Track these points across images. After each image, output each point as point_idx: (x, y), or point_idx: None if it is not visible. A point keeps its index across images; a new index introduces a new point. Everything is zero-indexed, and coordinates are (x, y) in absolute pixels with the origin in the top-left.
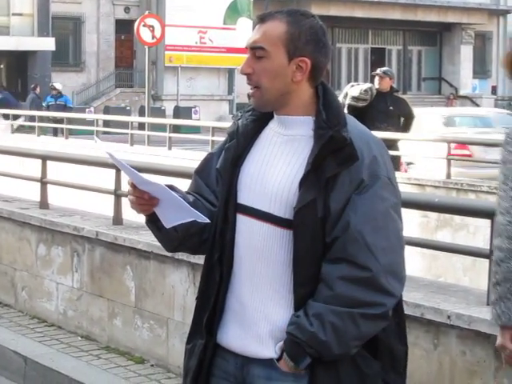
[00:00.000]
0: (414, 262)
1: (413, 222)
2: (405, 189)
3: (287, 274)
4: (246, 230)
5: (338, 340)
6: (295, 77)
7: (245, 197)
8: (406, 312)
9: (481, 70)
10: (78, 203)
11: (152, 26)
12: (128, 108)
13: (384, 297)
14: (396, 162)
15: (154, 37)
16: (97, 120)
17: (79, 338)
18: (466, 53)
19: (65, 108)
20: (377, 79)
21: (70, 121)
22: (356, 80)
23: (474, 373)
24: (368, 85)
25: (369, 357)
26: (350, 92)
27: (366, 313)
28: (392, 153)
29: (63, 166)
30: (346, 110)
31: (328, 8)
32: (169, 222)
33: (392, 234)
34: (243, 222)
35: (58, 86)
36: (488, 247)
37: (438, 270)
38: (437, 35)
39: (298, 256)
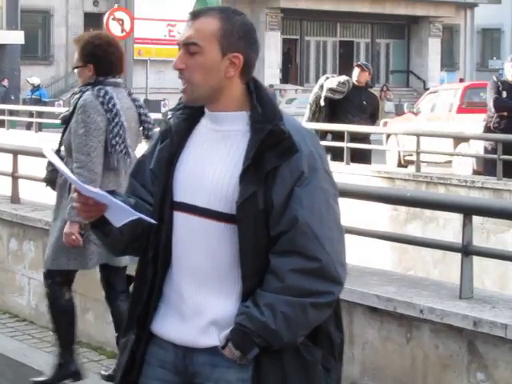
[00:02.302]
0: (384, 255)
1: (383, 215)
2: (375, 182)
3: (232, 267)
4: (185, 226)
5: (287, 329)
6: (228, 72)
7: (182, 194)
8: (378, 306)
9: (449, 62)
10: (49, 198)
11: (121, 20)
12: None
13: (333, 285)
14: (368, 156)
15: (123, 30)
16: None
17: (51, 333)
18: (434, 46)
19: (39, 102)
20: (357, 71)
21: (41, 114)
22: (324, 73)
23: (447, 366)
24: (345, 77)
25: (311, 344)
26: (326, 84)
27: (316, 302)
28: (365, 146)
29: (34, 160)
30: (322, 102)
31: (296, 1)
32: (117, 222)
33: (335, 225)
34: (181, 219)
35: (32, 80)
36: (460, 241)
37: (407, 263)
38: (405, 28)
39: (244, 249)
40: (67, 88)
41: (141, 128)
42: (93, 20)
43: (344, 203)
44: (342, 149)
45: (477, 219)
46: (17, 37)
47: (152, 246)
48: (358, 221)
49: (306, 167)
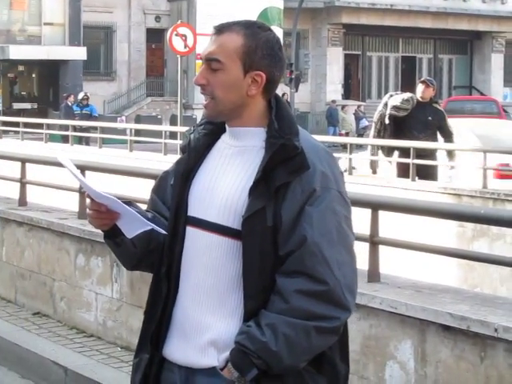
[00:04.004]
0: (451, 272)
1: (449, 232)
2: (441, 199)
3: (236, 286)
4: (195, 241)
5: (289, 352)
6: (250, 90)
7: (195, 209)
8: (452, 324)
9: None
10: None
11: (184, 36)
12: (159, 117)
13: (339, 311)
14: (434, 172)
15: (186, 46)
16: (131, 129)
17: (119, 349)
18: (497, 61)
19: (90, 117)
20: (421, 87)
21: (102, 130)
22: (386, 88)
23: None
24: (408, 94)
25: (315, 372)
26: (390, 102)
27: (320, 326)
28: (430, 162)
29: (100, 175)
30: (387, 120)
31: (358, 17)
32: (130, 232)
33: (345, 249)
34: (192, 235)
35: (80, 95)
36: None
37: (474, 280)
38: (467, 43)
39: (248, 267)
40: (129, 104)
41: None
42: (155, 36)
43: (408, 219)
44: (407, 165)
45: None
46: (79, 53)
47: (165, 261)
48: (423, 237)
49: (318, 186)
